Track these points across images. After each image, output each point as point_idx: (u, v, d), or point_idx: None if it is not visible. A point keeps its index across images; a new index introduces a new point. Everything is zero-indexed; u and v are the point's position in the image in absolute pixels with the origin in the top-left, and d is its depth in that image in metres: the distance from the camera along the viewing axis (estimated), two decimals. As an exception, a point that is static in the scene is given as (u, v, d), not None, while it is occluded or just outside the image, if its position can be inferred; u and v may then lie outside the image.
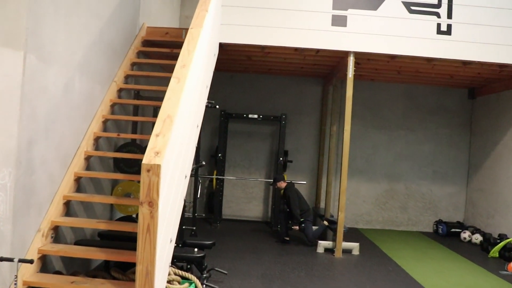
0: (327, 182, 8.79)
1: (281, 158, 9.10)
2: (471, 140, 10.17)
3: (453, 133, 10.21)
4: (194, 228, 7.05)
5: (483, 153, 9.63)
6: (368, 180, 10.15)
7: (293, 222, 7.92)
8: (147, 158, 3.50)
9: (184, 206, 7.11)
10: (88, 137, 5.37)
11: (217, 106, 7.20)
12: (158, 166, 3.43)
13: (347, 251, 7.49)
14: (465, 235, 9.06)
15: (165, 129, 3.79)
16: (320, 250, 7.56)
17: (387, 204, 10.17)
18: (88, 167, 5.39)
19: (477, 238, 8.78)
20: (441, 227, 9.64)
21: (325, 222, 7.95)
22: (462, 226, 9.61)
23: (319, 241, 7.67)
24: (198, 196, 9.99)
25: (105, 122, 5.81)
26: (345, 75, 7.72)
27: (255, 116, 9.31)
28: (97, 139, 5.59)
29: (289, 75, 10.12)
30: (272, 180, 8.54)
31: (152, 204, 3.47)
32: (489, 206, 9.12)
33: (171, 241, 4.11)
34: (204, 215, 9.98)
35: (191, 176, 7.57)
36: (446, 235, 9.51)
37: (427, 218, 10.16)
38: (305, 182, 8.95)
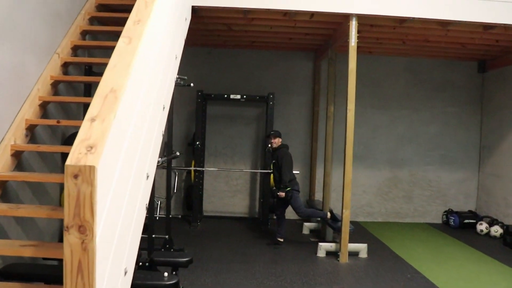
0: (325, 172, 7.52)
1: (269, 145, 7.79)
2: (482, 119, 9.02)
3: (462, 112, 9.04)
4: (167, 237, 5.76)
5: (497, 134, 8.49)
6: (368, 167, 8.94)
7: (279, 188, 6.68)
8: (74, 157, 2.20)
9: (153, 206, 5.82)
10: (16, 126, 3.98)
11: (192, 84, 5.88)
12: (92, 168, 2.13)
13: (353, 254, 6.29)
14: (482, 227, 7.94)
15: (106, 110, 2.46)
16: (321, 253, 6.33)
17: (390, 193, 9.00)
18: (19, 166, 4.03)
19: (497, 230, 7.67)
20: (453, 218, 8.51)
21: (329, 214, 6.72)
22: (476, 216, 8.49)
23: (320, 243, 6.43)
24: (175, 191, 8.72)
25: (43, 105, 4.42)
26: (342, 46, 6.49)
27: (238, 96, 7.97)
28: (31, 128, 4.21)
29: (275, 49, 8.79)
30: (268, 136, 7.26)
31: (85, 230, 2.17)
32: (508, 194, 8.00)
33: (126, 273, 2.82)
34: (180, 216, 8.67)
35: (163, 168, 6.32)
36: (459, 227, 8.40)
37: (435, 208, 9.03)
38: (298, 172, 7.70)
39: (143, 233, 3.31)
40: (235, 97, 7.96)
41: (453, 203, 9.01)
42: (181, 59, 4.80)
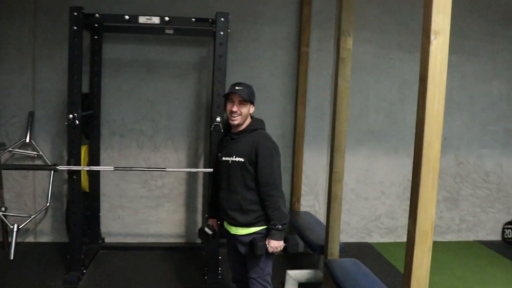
0: (332, 175, 3.69)
1: (218, 118, 3.93)
2: None
3: (540, 59, 5.48)
4: None
5: None
6: (390, 151, 5.28)
7: (275, 232, 2.73)
8: None
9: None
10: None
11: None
12: None
13: None
14: None
15: None
16: None
17: (423, 195, 5.43)
18: None
19: None
20: (531, 238, 5.10)
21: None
22: None
23: None
24: (49, 203, 4.83)
25: None
26: None
27: (156, 20, 3.88)
28: None
29: None
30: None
31: None
32: None
33: None
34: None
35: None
36: (539, 252, 5.04)
37: (493, 217, 5.57)
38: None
39: None
40: (153, 21, 3.93)
41: (518, 207, 5.59)
42: None
